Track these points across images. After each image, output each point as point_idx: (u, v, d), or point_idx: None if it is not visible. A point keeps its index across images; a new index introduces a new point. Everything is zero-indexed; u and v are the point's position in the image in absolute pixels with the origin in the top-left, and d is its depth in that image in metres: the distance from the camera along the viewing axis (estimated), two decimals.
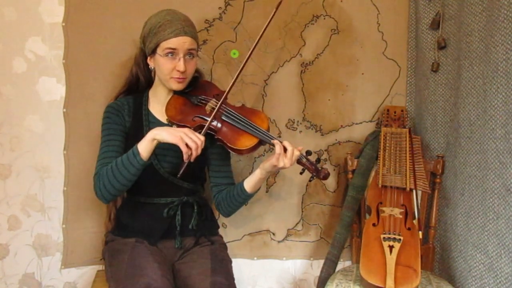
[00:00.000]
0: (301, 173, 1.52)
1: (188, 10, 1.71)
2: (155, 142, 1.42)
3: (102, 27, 1.78)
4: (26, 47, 1.75)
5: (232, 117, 1.54)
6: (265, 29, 1.55)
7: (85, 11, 1.76)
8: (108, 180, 1.44)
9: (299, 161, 1.48)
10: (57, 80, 1.77)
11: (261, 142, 1.52)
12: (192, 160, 1.41)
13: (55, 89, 1.78)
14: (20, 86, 1.75)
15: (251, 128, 1.52)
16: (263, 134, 1.51)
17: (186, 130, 1.41)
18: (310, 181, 1.53)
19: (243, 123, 1.53)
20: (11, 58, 1.74)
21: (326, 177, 1.48)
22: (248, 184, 1.55)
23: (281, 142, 1.46)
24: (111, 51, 1.78)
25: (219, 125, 1.54)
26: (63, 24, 1.76)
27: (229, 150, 1.53)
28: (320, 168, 1.47)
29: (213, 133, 1.54)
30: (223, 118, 1.55)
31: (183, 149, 1.38)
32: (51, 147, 1.79)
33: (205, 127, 1.50)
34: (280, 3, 1.57)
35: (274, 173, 1.91)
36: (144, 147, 1.41)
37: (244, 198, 1.58)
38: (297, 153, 1.46)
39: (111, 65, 1.79)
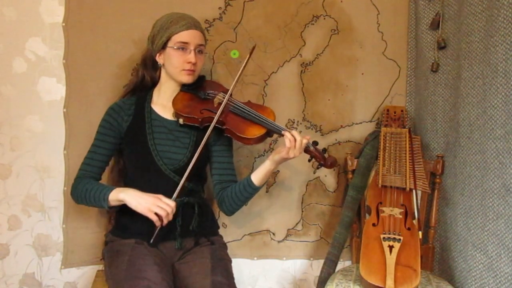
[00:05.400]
0: (309, 161, 1.55)
1: (188, 10, 1.72)
2: (123, 203, 1.48)
3: (102, 27, 1.78)
4: (26, 47, 1.75)
5: (240, 109, 1.57)
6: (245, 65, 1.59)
7: (85, 11, 1.76)
8: (81, 198, 1.55)
9: (306, 150, 1.51)
10: (57, 80, 1.78)
11: (269, 133, 1.55)
12: (164, 225, 1.45)
13: (55, 89, 1.78)
14: (20, 86, 1.75)
15: (259, 118, 1.55)
16: (271, 124, 1.54)
17: (155, 199, 1.45)
18: (317, 168, 1.56)
19: (251, 114, 1.56)
20: (11, 58, 1.74)
21: (333, 164, 1.52)
22: (256, 177, 1.56)
23: (289, 132, 1.49)
24: (111, 51, 1.79)
25: (227, 117, 1.57)
26: (63, 24, 1.76)
27: (237, 140, 1.56)
28: (327, 156, 1.51)
29: (220, 126, 1.56)
30: (231, 110, 1.58)
31: (153, 218, 1.43)
32: (51, 147, 1.79)
33: (215, 118, 1.52)
34: (253, 48, 1.62)
35: (274, 173, 1.92)
36: (113, 200, 1.48)
37: (250, 192, 1.58)
38: (305, 141, 1.49)
39: (111, 65, 1.79)
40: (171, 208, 1.44)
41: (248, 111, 1.56)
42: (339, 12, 1.89)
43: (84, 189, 1.52)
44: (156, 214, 1.43)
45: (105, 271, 1.56)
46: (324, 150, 1.53)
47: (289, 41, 1.89)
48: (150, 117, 1.61)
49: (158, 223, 1.44)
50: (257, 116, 1.55)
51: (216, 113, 1.53)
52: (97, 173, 1.59)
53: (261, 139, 1.55)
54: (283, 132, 1.50)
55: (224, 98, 1.56)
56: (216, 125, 1.55)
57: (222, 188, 1.65)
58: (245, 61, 1.57)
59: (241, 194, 1.59)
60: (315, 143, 1.53)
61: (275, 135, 1.59)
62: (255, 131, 1.53)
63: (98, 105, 1.74)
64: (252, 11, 1.86)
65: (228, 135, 1.58)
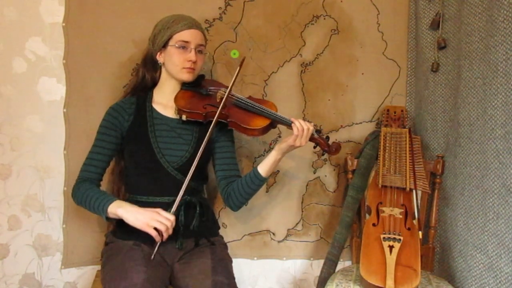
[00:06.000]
0: (314, 147, 1.59)
1: (188, 10, 1.72)
2: (120, 217, 1.47)
3: (102, 27, 1.78)
4: (26, 47, 1.75)
5: (243, 102, 1.60)
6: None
7: (85, 11, 1.77)
8: (81, 203, 1.54)
9: (311, 138, 1.55)
10: (57, 80, 1.78)
11: (272, 123, 1.58)
12: (164, 240, 1.45)
13: (55, 89, 1.78)
14: (20, 86, 1.75)
15: (262, 110, 1.57)
16: (275, 115, 1.56)
17: (153, 214, 1.44)
18: (322, 155, 1.62)
19: (254, 107, 1.58)
20: (11, 58, 1.74)
21: (337, 150, 1.57)
22: (263, 168, 1.56)
23: (298, 121, 1.52)
24: (111, 51, 1.79)
25: (230, 110, 1.58)
26: (63, 24, 1.76)
27: (242, 132, 1.58)
28: (330, 143, 1.56)
29: (224, 120, 1.57)
30: (234, 103, 1.60)
31: (152, 233, 1.43)
32: (51, 147, 1.79)
33: (219, 110, 1.53)
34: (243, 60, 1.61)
35: (274, 173, 1.92)
36: (111, 213, 1.48)
37: (257, 184, 1.58)
38: (311, 128, 1.52)
39: (111, 65, 1.79)
40: (171, 222, 1.44)
41: (251, 104, 1.59)
42: (339, 12, 1.89)
43: (85, 195, 1.52)
44: (155, 229, 1.43)
45: (101, 271, 1.56)
46: (328, 137, 1.57)
47: (289, 41, 1.89)
48: (151, 115, 1.61)
49: (158, 238, 1.44)
50: (260, 108, 1.57)
51: (219, 108, 1.54)
52: (99, 174, 1.59)
53: (265, 130, 1.57)
54: (292, 119, 1.52)
55: (226, 92, 1.58)
56: (220, 119, 1.56)
57: (227, 184, 1.65)
58: (236, 74, 1.56)
59: (248, 187, 1.59)
60: (318, 131, 1.57)
61: (276, 129, 1.62)
62: (260, 122, 1.56)
63: (98, 105, 1.74)
64: (252, 11, 1.86)
65: (233, 128, 1.60)
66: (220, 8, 1.85)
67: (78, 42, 1.77)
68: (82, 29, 1.77)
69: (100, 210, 1.48)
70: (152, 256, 1.47)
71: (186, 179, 1.49)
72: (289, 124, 1.53)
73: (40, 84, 1.77)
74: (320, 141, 1.55)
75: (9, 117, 1.76)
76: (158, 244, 1.46)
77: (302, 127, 1.50)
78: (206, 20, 1.84)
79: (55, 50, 1.77)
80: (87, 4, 1.77)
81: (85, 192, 1.52)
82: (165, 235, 1.44)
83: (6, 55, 1.73)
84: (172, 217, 1.45)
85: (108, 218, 1.50)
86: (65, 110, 1.79)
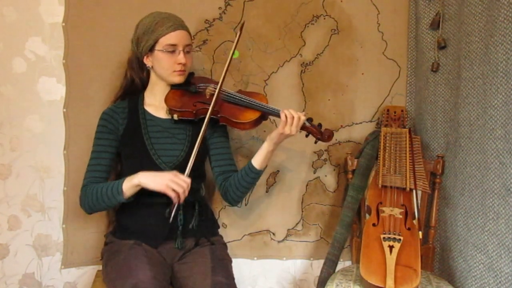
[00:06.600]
0: (306, 136, 1.58)
1: (188, 10, 1.72)
2: (139, 187, 1.47)
3: (102, 27, 1.78)
4: (26, 47, 1.75)
5: (232, 96, 1.60)
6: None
7: (85, 11, 1.77)
8: (93, 202, 1.53)
9: (303, 127, 1.54)
10: (57, 80, 1.78)
11: (263, 116, 1.58)
12: (181, 202, 1.46)
13: (55, 89, 1.78)
14: (20, 86, 1.75)
15: (252, 103, 1.57)
16: (265, 107, 1.56)
17: (171, 176, 1.45)
18: (315, 143, 1.60)
19: (244, 100, 1.58)
20: (11, 58, 1.74)
21: (330, 137, 1.56)
22: (257, 160, 1.56)
23: (287, 109, 1.52)
24: (111, 51, 1.79)
25: (221, 106, 1.59)
26: (63, 24, 1.76)
27: (233, 127, 1.59)
28: (323, 130, 1.55)
29: (215, 116, 1.57)
30: (224, 99, 1.60)
31: (171, 195, 1.44)
32: (51, 147, 1.79)
33: (211, 107, 1.53)
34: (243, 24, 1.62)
35: (274, 173, 1.92)
36: (128, 189, 1.48)
37: (253, 177, 1.58)
38: (303, 117, 1.51)
39: (111, 65, 1.79)
40: (187, 184, 1.45)
41: (241, 98, 1.59)
42: (339, 12, 1.89)
43: (94, 192, 1.51)
44: (173, 190, 1.43)
45: (102, 271, 1.56)
46: (320, 125, 1.56)
47: (289, 41, 1.89)
48: (144, 118, 1.62)
49: (176, 200, 1.44)
50: (250, 101, 1.58)
51: (209, 104, 1.54)
52: (103, 178, 1.59)
53: (256, 122, 1.57)
54: (279, 113, 1.52)
55: (215, 89, 1.58)
56: (211, 115, 1.56)
57: (224, 179, 1.65)
58: (237, 38, 1.56)
59: (244, 180, 1.58)
60: (310, 120, 1.56)
61: (274, 126, 1.63)
62: (250, 115, 1.56)
63: (98, 105, 1.74)
64: (252, 11, 1.86)
65: (224, 124, 1.60)
66: (220, 8, 1.85)
67: (78, 42, 1.77)
68: (82, 29, 1.77)
69: (115, 194, 1.47)
70: (171, 219, 1.47)
71: (189, 163, 1.49)
72: (279, 115, 1.52)
73: (40, 84, 1.77)
74: (312, 129, 1.55)
75: (9, 117, 1.76)
76: (176, 206, 1.46)
77: (291, 115, 1.49)
78: (206, 20, 1.84)
79: (55, 50, 1.77)
80: (87, 4, 1.77)
81: (92, 190, 1.52)
82: (182, 197, 1.44)
83: (6, 55, 1.74)
84: (188, 180, 1.45)
85: (127, 200, 1.49)
86: (65, 110, 1.79)
